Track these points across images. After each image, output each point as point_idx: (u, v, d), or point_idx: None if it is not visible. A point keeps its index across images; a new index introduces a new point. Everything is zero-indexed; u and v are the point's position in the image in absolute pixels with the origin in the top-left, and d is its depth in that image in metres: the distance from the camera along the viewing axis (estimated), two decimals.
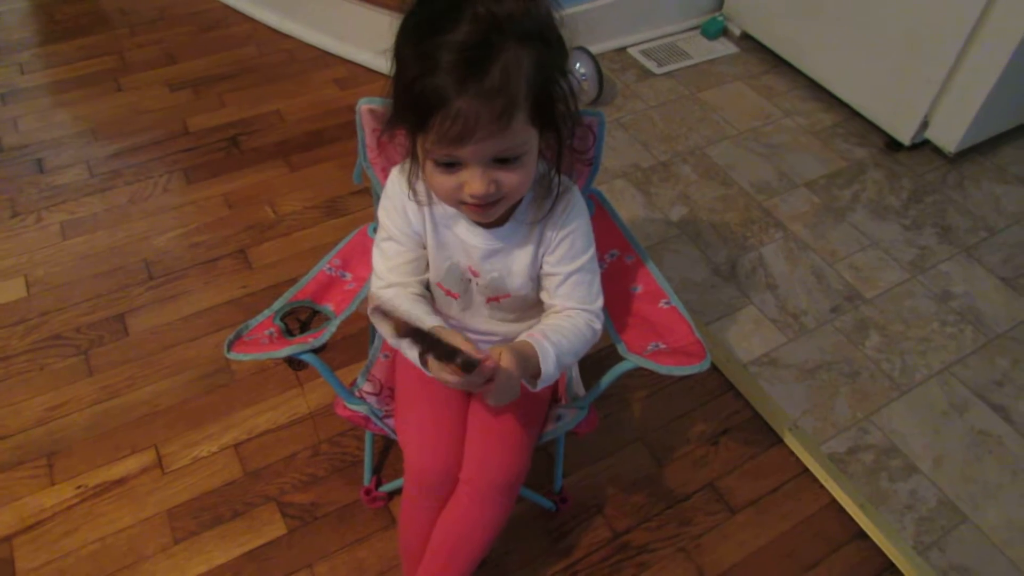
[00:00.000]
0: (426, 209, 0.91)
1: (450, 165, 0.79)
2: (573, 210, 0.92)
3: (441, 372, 0.82)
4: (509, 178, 0.80)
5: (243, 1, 2.31)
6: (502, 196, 0.81)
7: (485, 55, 0.72)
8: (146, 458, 1.29)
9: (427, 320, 0.90)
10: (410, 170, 0.88)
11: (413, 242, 0.94)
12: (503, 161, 0.78)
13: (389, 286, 0.95)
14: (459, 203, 0.83)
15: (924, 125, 1.87)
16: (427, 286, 0.98)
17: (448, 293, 0.97)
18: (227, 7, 2.32)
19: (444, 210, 0.91)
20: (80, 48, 2.15)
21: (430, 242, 0.93)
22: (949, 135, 1.84)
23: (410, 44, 0.76)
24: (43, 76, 2.05)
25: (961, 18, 1.67)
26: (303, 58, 2.16)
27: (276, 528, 1.22)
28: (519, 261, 0.92)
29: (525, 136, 0.78)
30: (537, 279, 0.96)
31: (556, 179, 0.89)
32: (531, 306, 0.99)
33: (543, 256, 0.93)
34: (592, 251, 0.94)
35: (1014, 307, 1.60)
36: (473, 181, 0.78)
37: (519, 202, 0.90)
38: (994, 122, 1.88)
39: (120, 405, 1.36)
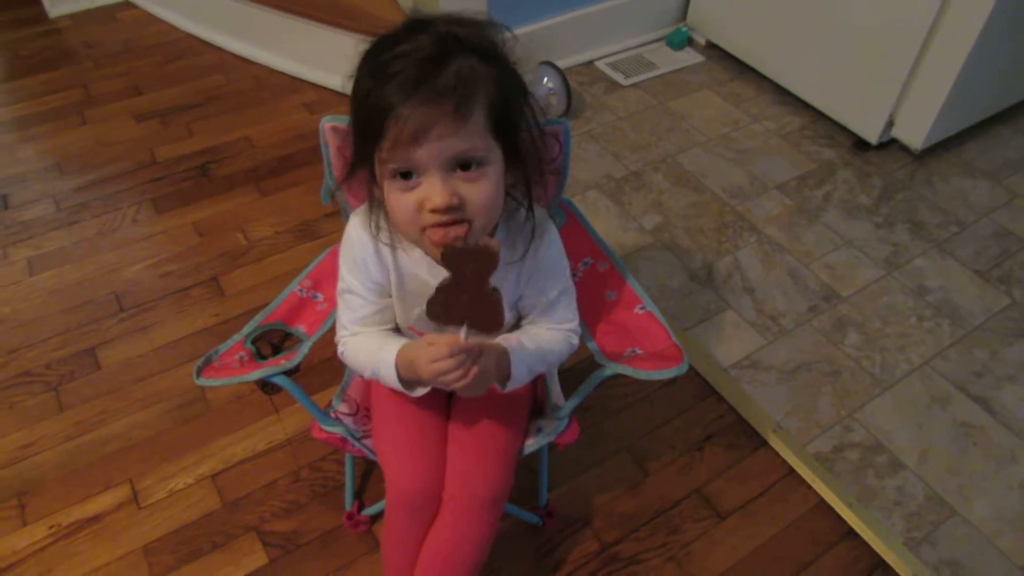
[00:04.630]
0: (390, 260, 0.89)
1: (408, 176, 0.76)
2: (547, 238, 0.91)
3: (436, 363, 0.79)
4: (471, 191, 0.77)
5: (209, 30, 2.30)
6: (466, 217, 0.77)
7: (439, 61, 0.73)
8: (121, 493, 1.26)
9: (394, 343, 0.89)
10: (371, 209, 0.86)
11: (375, 294, 0.92)
12: (464, 168, 0.76)
13: (354, 335, 0.94)
14: (422, 230, 0.79)
15: (890, 124, 1.89)
16: (395, 328, 0.97)
17: (420, 335, 0.95)
18: (193, 37, 2.32)
19: (410, 257, 0.88)
20: (44, 83, 2.12)
21: (396, 292, 0.91)
22: (915, 133, 1.87)
23: (366, 64, 0.76)
24: (7, 112, 2.03)
25: (918, 18, 1.69)
26: (271, 84, 2.15)
27: (257, 558, 1.19)
28: None
29: (485, 142, 0.77)
30: (515, 307, 0.95)
31: (530, 217, 0.86)
32: (508, 330, 0.98)
33: (523, 287, 0.92)
34: (568, 272, 0.95)
35: (988, 299, 1.61)
36: (433, 192, 0.75)
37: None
38: (957, 118, 1.90)
39: (93, 440, 1.33)
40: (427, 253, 0.86)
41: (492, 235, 0.88)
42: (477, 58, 0.75)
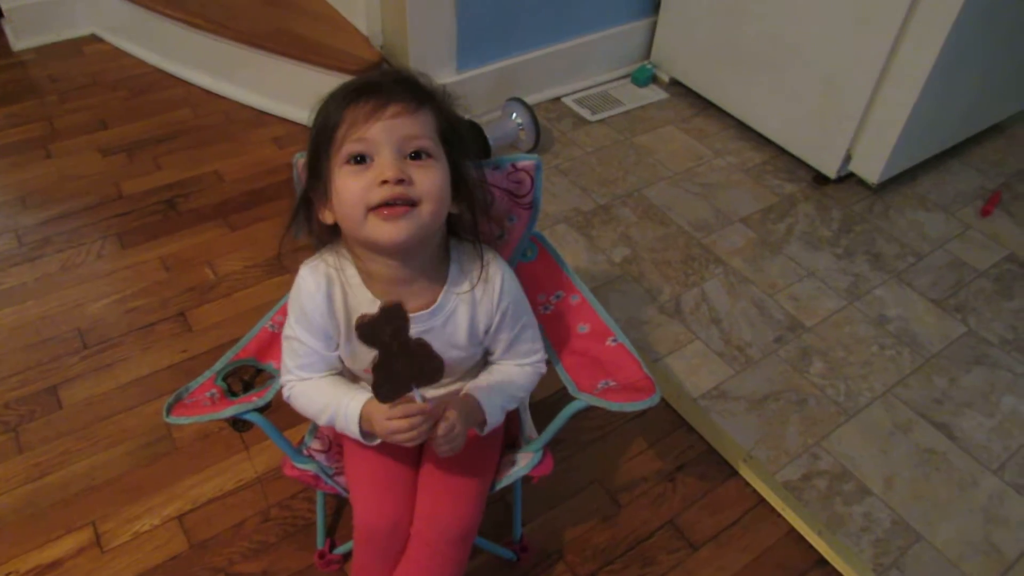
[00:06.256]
0: (340, 306, 0.89)
1: (361, 161, 0.81)
2: (500, 275, 0.92)
3: (391, 423, 0.81)
4: (421, 174, 0.81)
5: (177, 64, 2.30)
6: (412, 199, 0.80)
7: (391, 83, 0.84)
8: (83, 537, 1.22)
9: (357, 394, 0.89)
10: (313, 234, 0.92)
11: (322, 345, 0.91)
12: (415, 157, 0.82)
13: (302, 381, 0.93)
14: (367, 211, 0.80)
15: (847, 159, 1.96)
16: (340, 373, 0.97)
17: None
18: (160, 71, 2.31)
19: (358, 299, 0.89)
20: (8, 116, 2.09)
21: (344, 339, 0.91)
22: (871, 167, 1.93)
23: (323, 105, 0.86)
24: None
25: (871, 59, 1.76)
26: (240, 119, 2.15)
27: None
28: (458, 335, 0.92)
29: (434, 141, 0.83)
30: (479, 345, 0.96)
31: (477, 247, 0.91)
32: (471, 367, 0.99)
33: (483, 331, 0.94)
34: (527, 306, 0.97)
35: (945, 327, 1.66)
36: (384, 167, 0.79)
37: (444, 281, 0.90)
38: (911, 154, 1.98)
39: (53, 482, 1.29)
40: (367, 241, 0.84)
41: (446, 271, 0.91)
42: (424, 94, 0.85)
